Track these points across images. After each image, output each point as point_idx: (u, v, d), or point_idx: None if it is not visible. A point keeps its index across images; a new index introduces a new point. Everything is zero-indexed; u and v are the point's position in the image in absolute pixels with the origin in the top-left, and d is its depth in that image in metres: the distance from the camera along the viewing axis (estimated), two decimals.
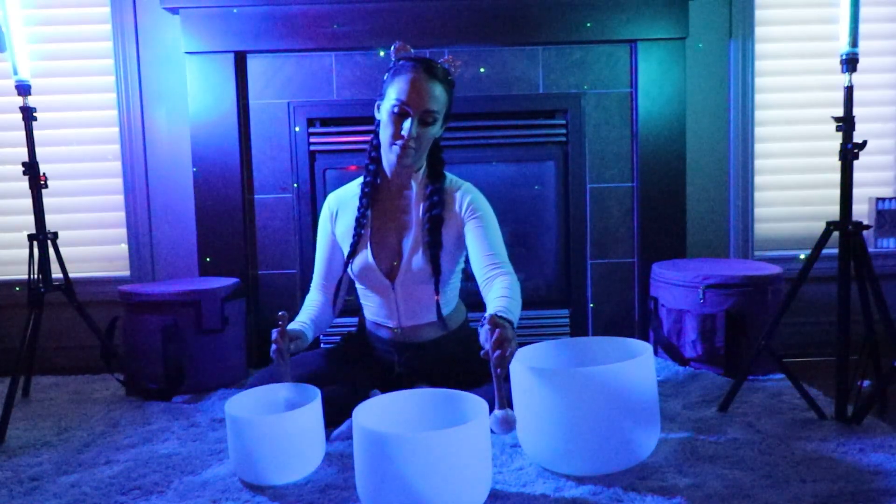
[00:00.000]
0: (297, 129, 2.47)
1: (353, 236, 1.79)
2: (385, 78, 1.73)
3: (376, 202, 1.82)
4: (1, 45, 2.01)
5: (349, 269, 1.83)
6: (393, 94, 1.68)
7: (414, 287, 1.80)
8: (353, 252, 1.79)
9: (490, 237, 1.73)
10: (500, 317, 1.39)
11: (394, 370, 1.87)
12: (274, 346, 1.58)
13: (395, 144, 1.69)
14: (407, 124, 1.67)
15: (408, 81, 1.66)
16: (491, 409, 1.34)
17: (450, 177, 1.82)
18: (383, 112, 1.72)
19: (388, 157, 1.75)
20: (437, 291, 1.78)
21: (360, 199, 1.80)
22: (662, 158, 2.50)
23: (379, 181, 1.81)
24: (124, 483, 1.49)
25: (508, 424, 1.32)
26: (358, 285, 1.88)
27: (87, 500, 1.42)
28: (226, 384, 2.21)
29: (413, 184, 1.80)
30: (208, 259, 2.45)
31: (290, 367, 1.62)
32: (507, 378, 1.41)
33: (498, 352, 1.31)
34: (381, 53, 1.74)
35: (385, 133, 1.72)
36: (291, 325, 1.71)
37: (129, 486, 1.48)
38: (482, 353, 1.34)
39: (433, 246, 1.74)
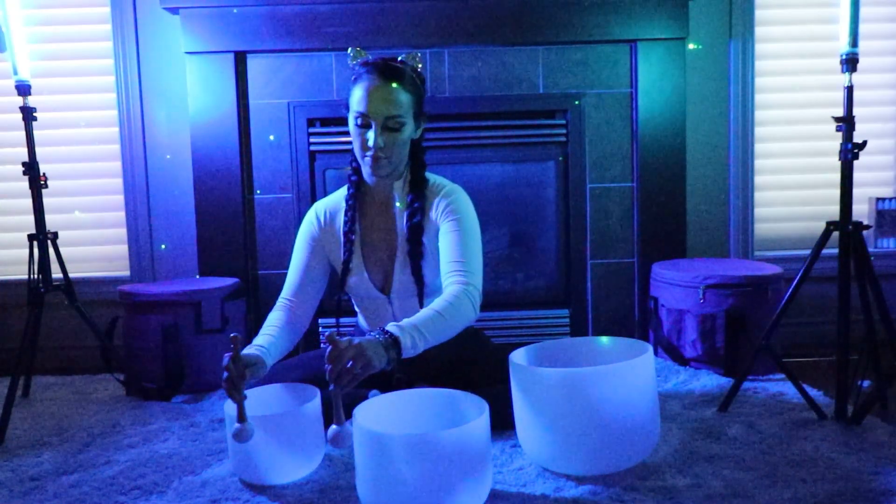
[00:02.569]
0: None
1: (344, 252, 1.73)
2: (350, 86, 1.67)
3: (363, 214, 1.77)
4: (1, 45, 2.01)
5: (343, 285, 1.77)
6: (354, 105, 1.62)
7: (409, 299, 1.76)
8: (347, 269, 1.74)
9: (461, 241, 1.62)
10: (389, 335, 1.38)
11: (392, 375, 1.86)
12: (225, 374, 1.38)
13: (366, 156, 1.63)
14: (371, 135, 1.60)
15: (365, 90, 1.59)
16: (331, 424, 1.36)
17: (433, 181, 1.74)
18: (350, 124, 1.66)
19: (364, 169, 1.69)
20: (420, 304, 1.70)
21: (346, 212, 1.74)
22: (662, 158, 2.50)
23: (363, 192, 1.76)
24: (124, 483, 1.49)
25: (341, 440, 1.34)
26: (353, 299, 1.84)
27: (87, 500, 1.42)
28: None
29: (395, 192, 1.74)
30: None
31: (244, 398, 1.38)
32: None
33: (329, 367, 1.31)
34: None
35: (355, 146, 1.66)
36: (247, 350, 1.54)
37: (129, 486, 1.48)
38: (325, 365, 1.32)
39: (414, 256, 1.68)
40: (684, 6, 2.43)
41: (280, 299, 1.74)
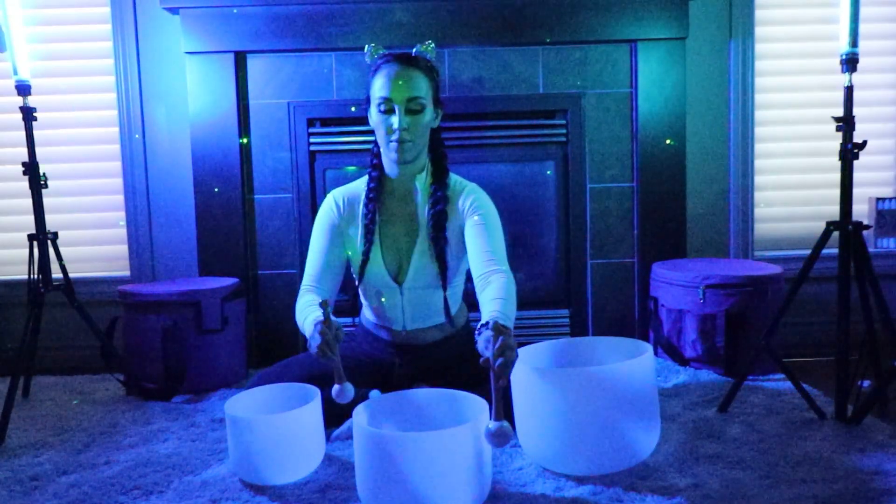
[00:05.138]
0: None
1: (364, 243, 1.77)
2: (368, 82, 1.74)
3: (382, 205, 1.80)
4: (1, 45, 2.01)
5: (362, 275, 1.79)
6: (376, 93, 1.69)
7: (421, 291, 1.79)
8: (365, 259, 1.77)
9: (490, 236, 1.69)
10: (502, 324, 1.35)
11: (394, 371, 1.87)
12: (318, 339, 1.46)
13: (391, 141, 1.68)
14: (395, 118, 1.66)
15: (386, 76, 1.67)
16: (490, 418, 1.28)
17: (455, 178, 1.81)
18: (373, 114, 1.72)
19: (389, 157, 1.73)
20: (444, 287, 1.77)
21: (367, 204, 1.77)
22: (662, 158, 2.49)
23: (383, 186, 1.80)
24: (124, 483, 1.49)
25: (503, 438, 1.25)
26: (364, 289, 1.86)
27: (87, 500, 1.42)
28: (226, 384, 2.21)
29: (417, 185, 1.78)
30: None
31: (340, 361, 1.49)
32: (507, 388, 1.37)
33: (501, 360, 1.25)
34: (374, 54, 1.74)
35: (379, 134, 1.72)
36: (314, 318, 1.58)
37: (129, 486, 1.48)
38: (482, 360, 1.29)
39: (438, 242, 1.73)
40: (684, 6, 2.43)
41: (303, 286, 1.75)
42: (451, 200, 1.76)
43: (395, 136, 1.67)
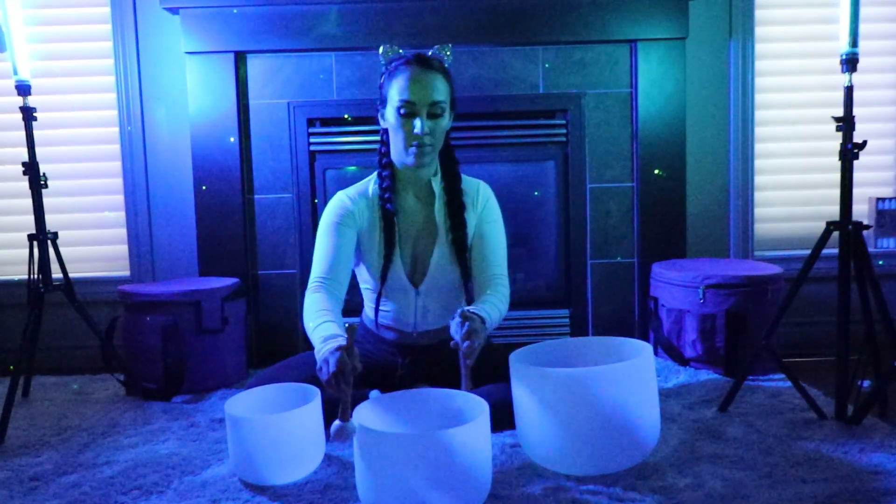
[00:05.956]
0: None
1: (385, 245, 1.73)
2: (381, 83, 1.70)
3: (398, 207, 1.77)
4: (1, 45, 2.01)
5: (384, 278, 1.76)
6: (395, 95, 1.63)
7: (437, 293, 1.79)
8: (388, 262, 1.74)
9: (497, 245, 1.78)
10: (471, 311, 1.51)
11: (396, 372, 1.87)
12: (333, 368, 1.30)
13: (412, 146, 1.64)
14: (418, 123, 1.62)
15: (407, 79, 1.62)
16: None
17: (463, 176, 1.81)
18: (389, 117, 1.67)
19: (405, 161, 1.68)
20: (466, 290, 1.82)
21: (383, 205, 1.73)
22: (662, 158, 2.49)
23: (396, 186, 1.77)
24: (124, 483, 1.49)
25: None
26: (377, 291, 1.82)
27: (87, 500, 1.42)
28: (226, 384, 2.21)
29: (431, 186, 1.76)
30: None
31: (350, 397, 1.29)
32: (473, 367, 1.50)
33: (467, 343, 1.43)
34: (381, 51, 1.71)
35: (397, 138, 1.67)
36: (329, 334, 1.45)
37: (129, 486, 1.48)
38: (452, 343, 1.46)
39: (460, 244, 1.74)
40: (684, 6, 2.43)
41: (312, 282, 1.66)
42: (467, 203, 1.77)
43: (417, 142, 1.63)
